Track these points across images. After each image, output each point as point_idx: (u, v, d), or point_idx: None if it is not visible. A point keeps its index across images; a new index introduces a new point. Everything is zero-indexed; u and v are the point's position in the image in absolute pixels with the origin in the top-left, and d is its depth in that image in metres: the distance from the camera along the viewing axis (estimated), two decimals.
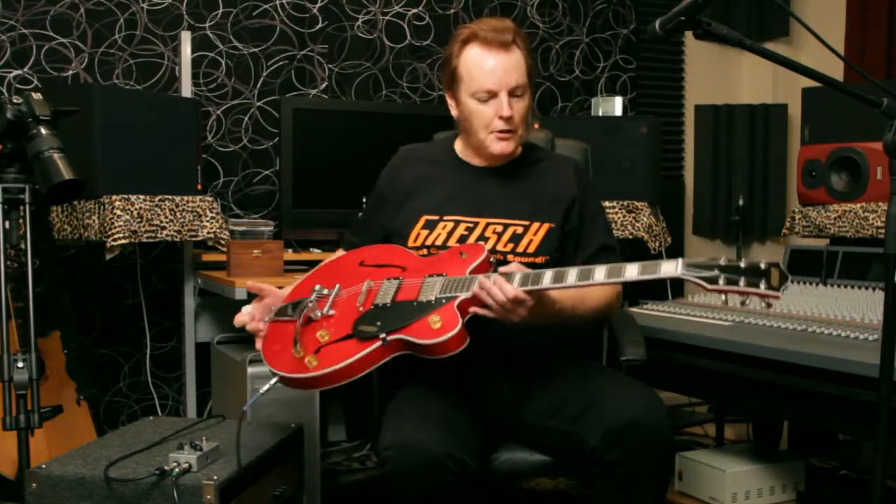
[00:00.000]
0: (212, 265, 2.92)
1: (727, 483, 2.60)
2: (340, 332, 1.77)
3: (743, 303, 1.59)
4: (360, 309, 1.79)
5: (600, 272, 1.67)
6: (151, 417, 2.27)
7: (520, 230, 1.93)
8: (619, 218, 3.25)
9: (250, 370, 2.52)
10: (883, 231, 1.90)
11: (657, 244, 3.31)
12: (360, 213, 2.17)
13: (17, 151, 2.10)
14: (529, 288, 1.67)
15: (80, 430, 2.48)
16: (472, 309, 1.71)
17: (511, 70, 1.88)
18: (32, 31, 2.96)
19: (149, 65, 3.14)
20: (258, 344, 1.87)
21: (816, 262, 2.90)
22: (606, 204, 3.21)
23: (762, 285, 1.54)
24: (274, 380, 1.79)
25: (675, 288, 3.89)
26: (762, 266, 1.55)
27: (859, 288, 2.68)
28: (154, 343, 3.15)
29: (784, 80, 4.08)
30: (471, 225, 1.94)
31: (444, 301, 1.73)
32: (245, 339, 2.88)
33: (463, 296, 1.72)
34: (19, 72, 2.95)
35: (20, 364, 2.03)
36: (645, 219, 3.26)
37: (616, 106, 3.55)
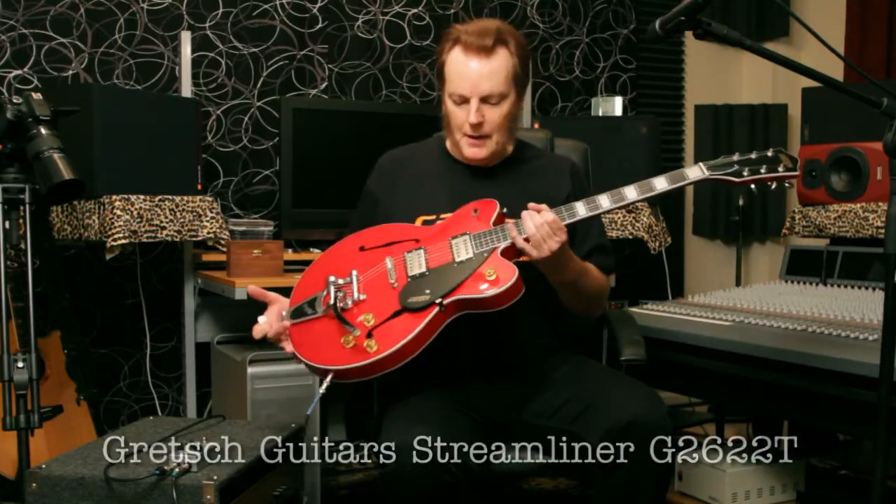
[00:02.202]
0: (212, 265, 2.92)
1: (727, 483, 2.60)
2: (387, 311, 1.72)
3: (769, 186, 1.76)
4: (396, 285, 1.76)
5: (630, 190, 1.76)
6: (151, 417, 2.27)
7: None
8: (619, 218, 3.25)
9: (250, 370, 2.52)
10: (883, 231, 1.90)
11: (657, 244, 3.31)
12: (360, 215, 2.12)
13: (17, 151, 2.10)
14: (567, 221, 1.74)
15: (80, 430, 2.48)
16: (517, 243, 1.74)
17: (485, 77, 1.85)
18: (32, 31, 2.96)
19: (149, 65, 3.13)
20: (288, 348, 1.81)
21: (816, 262, 2.90)
22: None
23: (780, 168, 1.73)
24: (329, 377, 1.70)
25: (675, 288, 3.90)
26: (769, 154, 1.75)
27: (859, 288, 2.68)
28: (154, 343, 3.15)
29: (784, 80, 4.08)
30: None
31: (485, 255, 1.74)
32: (245, 339, 2.88)
33: (503, 244, 1.74)
34: (19, 72, 2.95)
35: (20, 364, 2.03)
36: (645, 219, 3.26)
37: (616, 106, 3.55)
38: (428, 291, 1.71)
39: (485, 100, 1.87)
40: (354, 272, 1.81)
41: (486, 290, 1.67)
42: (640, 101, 4.10)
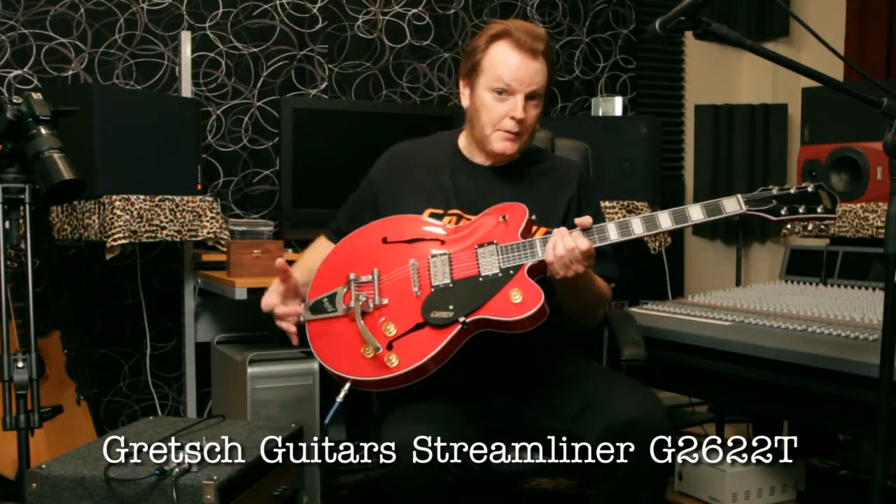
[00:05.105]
0: (212, 265, 2.92)
1: (727, 483, 2.60)
2: (408, 322, 1.72)
3: (805, 227, 1.71)
4: (419, 293, 1.76)
5: (665, 219, 1.74)
6: (151, 417, 2.27)
7: None
8: (618, 218, 3.23)
9: (250, 370, 2.52)
10: (883, 231, 1.90)
11: (657, 244, 3.31)
12: (351, 203, 2.11)
13: (17, 151, 2.10)
14: (598, 245, 1.73)
15: (80, 430, 2.48)
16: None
17: (534, 75, 1.88)
18: (32, 31, 2.96)
19: (149, 65, 3.13)
20: (294, 340, 1.81)
21: (816, 262, 2.89)
22: (606, 204, 3.22)
23: (819, 209, 1.69)
24: (347, 385, 1.71)
25: (675, 288, 3.90)
26: (810, 189, 1.70)
27: (859, 288, 2.68)
28: (154, 343, 3.15)
29: (784, 80, 4.08)
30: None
31: (511, 272, 1.72)
32: (245, 339, 2.89)
33: (531, 262, 1.72)
34: (19, 72, 2.95)
35: (20, 364, 2.03)
36: None
37: (616, 106, 3.55)
38: (451, 307, 1.71)
39: (528, 97, 1.89)
40: (376, 270, 1.80)
41: (510, 313, 1.68)
42: (640, 101, 4.10)
